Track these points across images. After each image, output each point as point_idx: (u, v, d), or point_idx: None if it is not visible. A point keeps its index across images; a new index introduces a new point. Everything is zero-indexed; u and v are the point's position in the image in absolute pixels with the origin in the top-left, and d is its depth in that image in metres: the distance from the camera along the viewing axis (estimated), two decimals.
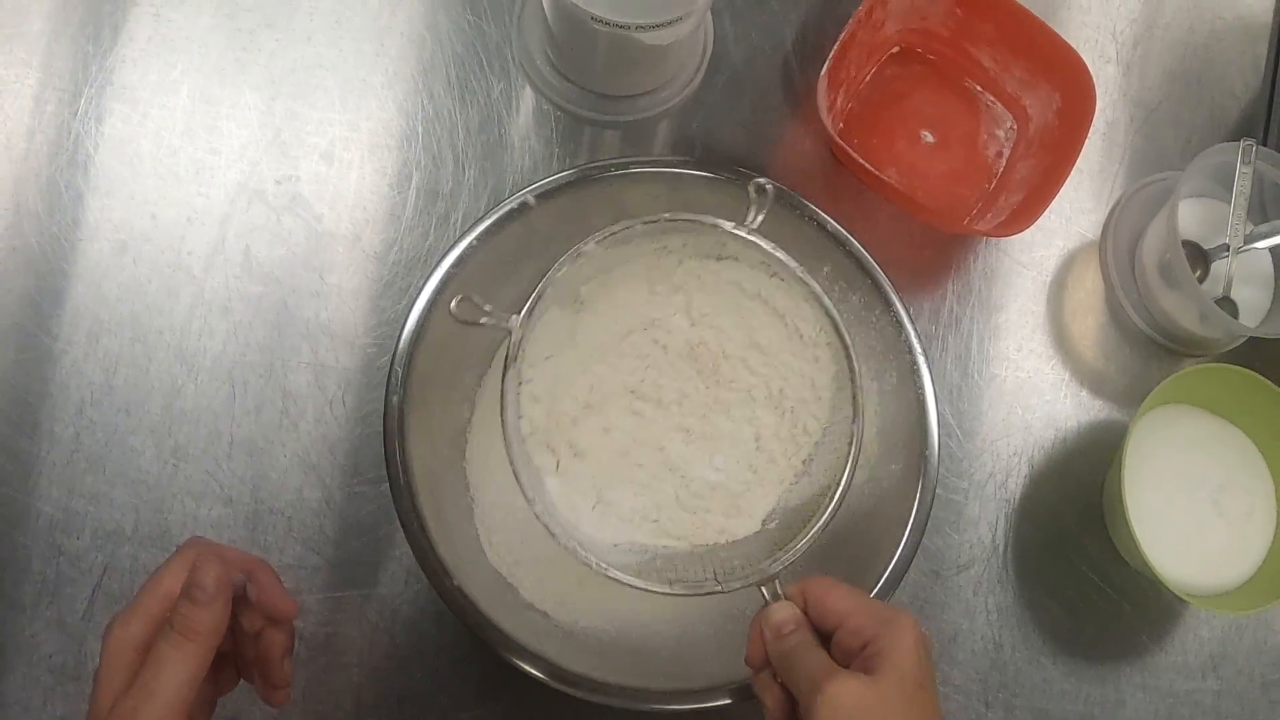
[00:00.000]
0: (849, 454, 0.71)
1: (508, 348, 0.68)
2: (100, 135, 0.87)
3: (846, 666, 0.62)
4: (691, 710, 0.73)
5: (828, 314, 0.72)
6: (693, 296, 0.78)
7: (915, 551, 0.76)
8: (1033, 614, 0.88)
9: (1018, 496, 0.90)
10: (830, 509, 0.70)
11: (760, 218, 0.72)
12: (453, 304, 0.67)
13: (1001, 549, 0.89)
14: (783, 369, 0.78)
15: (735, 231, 0.71)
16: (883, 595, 0.75)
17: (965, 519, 0.89)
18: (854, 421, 0.71)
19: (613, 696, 0.72)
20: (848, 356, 0.72)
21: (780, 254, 0.72)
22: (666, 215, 0.71)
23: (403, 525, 0.73)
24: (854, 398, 0.72)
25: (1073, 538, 0.90)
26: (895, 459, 0.79)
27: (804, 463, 0.77)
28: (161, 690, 0.59)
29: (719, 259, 0.78)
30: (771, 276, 0.76)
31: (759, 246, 0.71)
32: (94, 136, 0.87)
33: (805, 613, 0.66)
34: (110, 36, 0.89)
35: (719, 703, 0.73)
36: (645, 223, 0.71)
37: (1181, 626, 0.91)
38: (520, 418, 0.71)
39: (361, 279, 0.86)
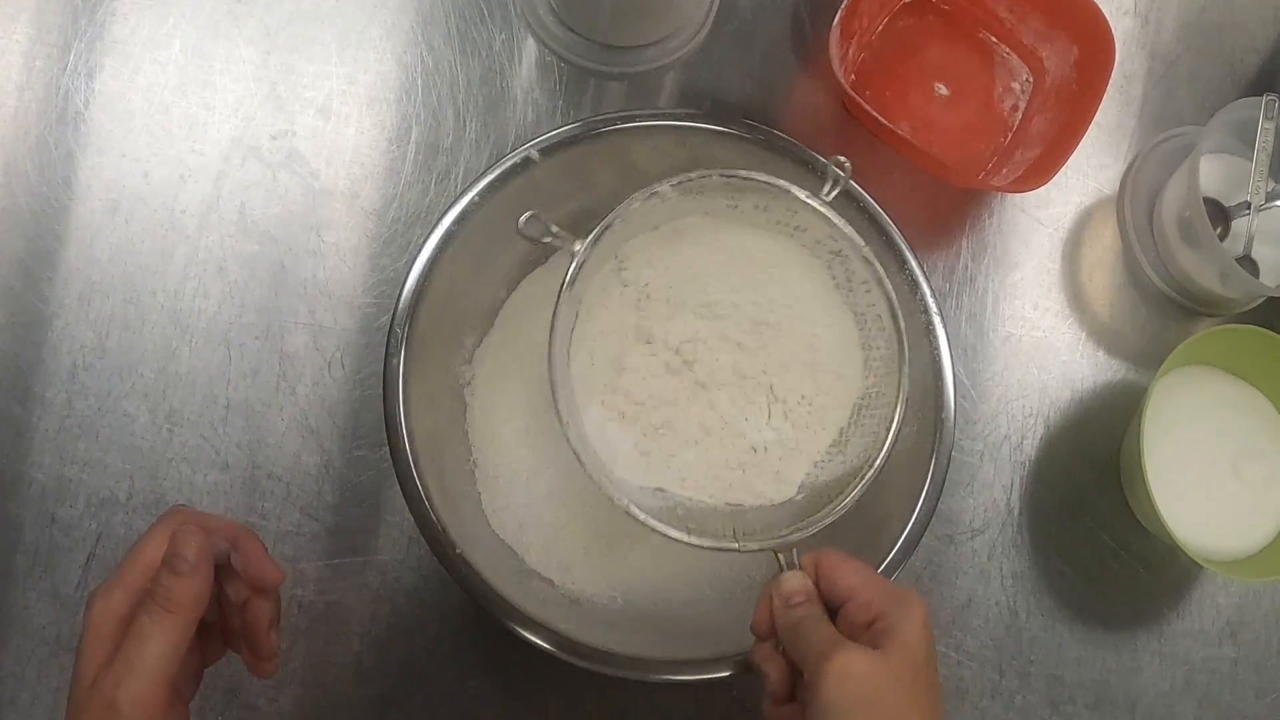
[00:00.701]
0: (886, 438, 0.70)
1: (566, 271, 0.67)
2: (90, 91, 0.85)
3: (854, 639, 0.62)
4: (699, 681, 0.71)
5: (887, 298, 0.71)
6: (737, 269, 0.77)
7: (931, 516, 0.75)
8: (1048, 579, 0.87)
9: (1033, 459, 0.88)
10: (860, 487, 0.69)
11: (835, 192, 0.71)
12: (521, 220, 0.67)
13: (1016, 513, 0.87)
14: (819, 340, 0.76)
15: (809, 201, 0.71)
16: (898, 560, 0.74)
17: (979, 482, 0.87)
18: (896, 407, 0.70)
19: (619, 667, 0.71)
20: (899, 342, 0.71)
21: (849, 230, 0.71)
22: (743, 172, 0.70)
23: (403, 490, 0.71)
24: (899, 383, 0.70)
25: (1089, 501, 0.88)
26: (909, 421, 0.77)
27: (838, 438, 0.76)
28: (142, 664, 0.57)
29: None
30: (835, 255, 0.74)
31: (829, 220, 0.71)
32: (84, 93, 0.85)
33: (816, 584, 0.66)
34: None
35: (727, 673, 0.71)
36: (723, 175, 0.70)
37: (1199, 593, 0.89)
38: (568, 344, 0.70)
39: (360, 237, 0.84)
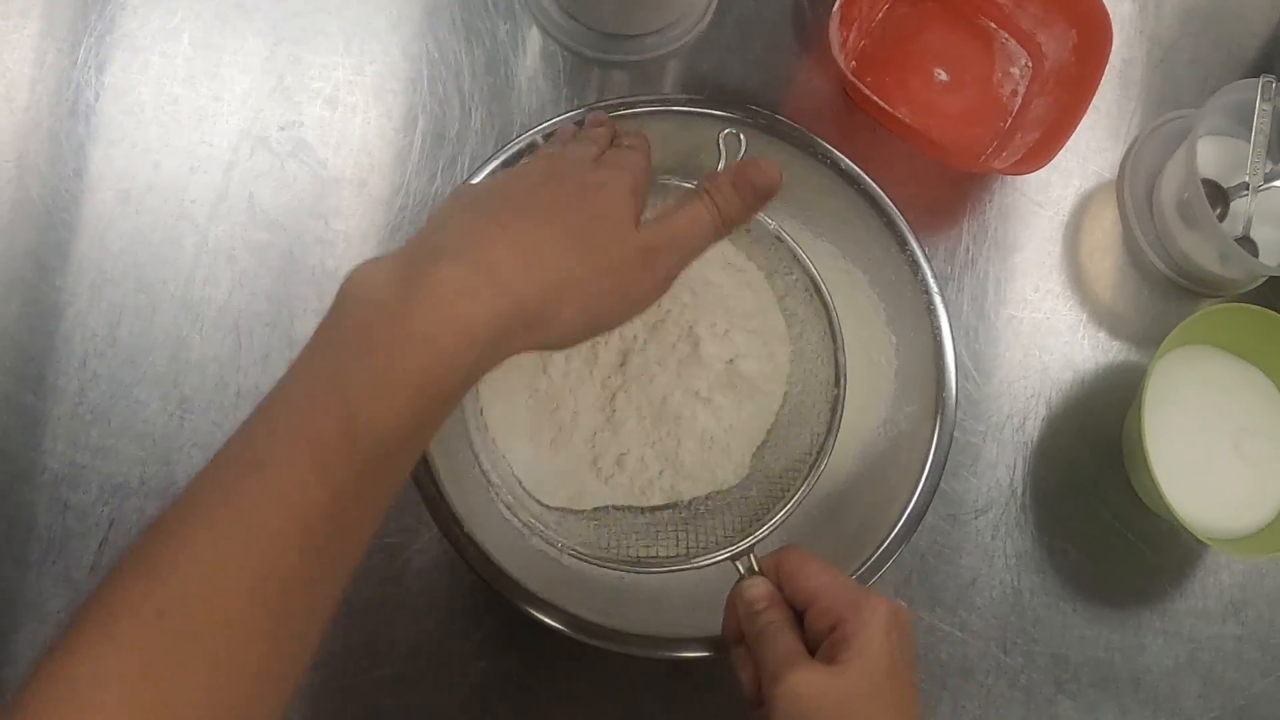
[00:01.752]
0: (831, 421, 0.69)
1: None
2: (101, 84, 0.86)
3: (818, 647, 0.61)
4: (709, 657, 0.72)
5: (808, 274, 0.71)
6: None
7: (933, 495, 0.75)
8: (1051, 558, 0.87)
9: (1035, 439, 0.89)
10: (809, 481, 0.69)
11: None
12: None
13: (1020, 492, 0.88)
14: (749, 324, 0.77)
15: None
16: (900, 539, 0.74)
17: (983, 462, 0.88)
18: (836, 385, 0.70)
19: (628, 644, 0.71)
20: (829, 318, 0.70)
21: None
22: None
23: (413, 475, 0.71)
24: (835, 360, 0.70)
25: (1091, 481, 0.89)
26: (911, 400, 0.78)
27: (775, 420, 0.76)
28: (631, 164, 0.62)
29: None
30: (749, 232, 0.74)
31: None
32: (95, 86, 0.86)
33: (780, 586, 0.65)
34: None
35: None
36: None
37: (1202, 570, 0.90)
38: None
39: (368, 225, 0.85)
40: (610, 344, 0.76)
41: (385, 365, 0.51)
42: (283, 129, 0.86)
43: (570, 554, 0.68)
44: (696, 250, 0.62)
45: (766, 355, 0.78)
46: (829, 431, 0.69)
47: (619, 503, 0.77)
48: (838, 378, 0.70)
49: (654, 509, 0.77)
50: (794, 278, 0.73)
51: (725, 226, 0.62)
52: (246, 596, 0.46)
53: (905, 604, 0.62)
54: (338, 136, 0.86)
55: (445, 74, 0.88)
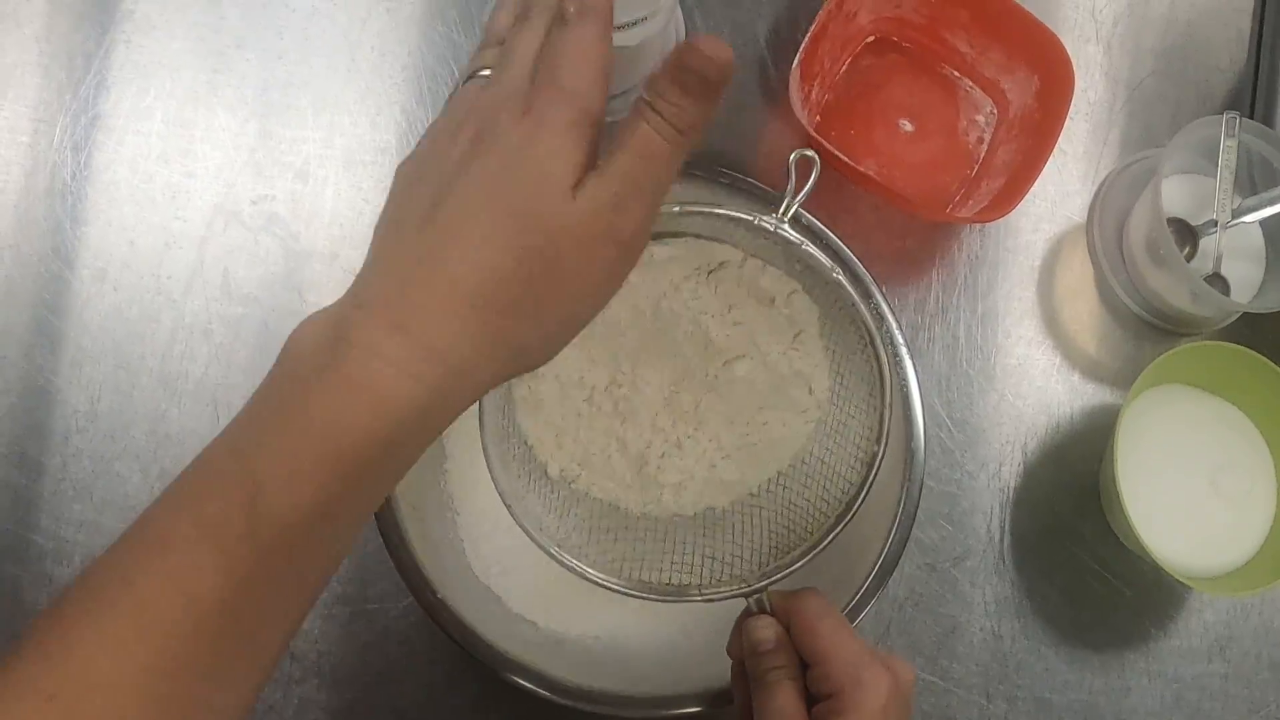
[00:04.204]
0: (866, 477, 0.68)
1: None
2: (77, 164, 0.88)
3: (818, 699, 0.61)
4: (685, 716, 0.72)
5: (865, 325, 0.67)
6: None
7: (904, 546, 0.75)
8: (1032, 604, 0.87)
9: (1012, 485, 0.89)
10: (835, 532, 0.68)
11: (795, 205, 0.65)
12: None
13: (998, 539, 0.88)
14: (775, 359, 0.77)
15: (763, 224, 0.65)
16: (872, 590, 0.74)
17: (959, 510, 0.88)
18: (877, 443, 0.68)
19: (605, 705, 0.72)
20: (881, 373, 0.67)
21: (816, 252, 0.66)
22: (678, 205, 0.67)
23: (385, 540, 0.72)
24: (881, 417, 0.68)
25: (1070, 525, 0.89)
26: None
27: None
28: (571, 80, 0.51)
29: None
30: (800, 270, 0.72)
31: (789, 243, 0.66)
32: (70, 166, 0.87)
33: (789, 629, 0.64)
34: (83, 65, 0.89)
35: (716, 708, 0.72)
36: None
37: (1185, 610, 0.89)
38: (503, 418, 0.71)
39: (340, 296, 0.86)
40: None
41: (294, 443, 0.47)
42: (255, 203, 0.87)
43: (577, 569, 0.68)
44: (661, 186, 0.51)
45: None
46: (861, 488, 0.68)
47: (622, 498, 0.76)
48: (880, 435, 0.67)
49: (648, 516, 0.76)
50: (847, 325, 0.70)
51: (685, 138, 0.51)
52: (135, 686, 0.45)
53: (913, 669, 0.62)
54: (309, 209, 0.88)
55: (413, 145, 0.88)
